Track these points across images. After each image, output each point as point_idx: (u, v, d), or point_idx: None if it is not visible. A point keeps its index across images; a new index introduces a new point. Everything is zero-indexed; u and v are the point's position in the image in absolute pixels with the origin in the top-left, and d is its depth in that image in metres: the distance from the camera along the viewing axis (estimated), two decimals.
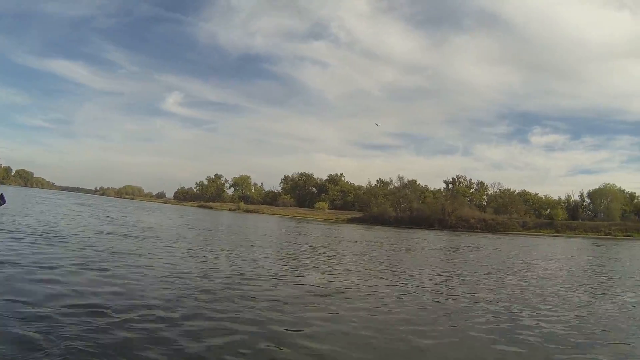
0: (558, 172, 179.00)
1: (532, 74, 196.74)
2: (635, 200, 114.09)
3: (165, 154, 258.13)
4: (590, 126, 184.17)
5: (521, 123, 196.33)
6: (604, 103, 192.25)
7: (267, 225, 58.76)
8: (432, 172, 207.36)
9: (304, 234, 42.16)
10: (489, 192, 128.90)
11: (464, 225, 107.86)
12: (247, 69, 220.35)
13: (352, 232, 56.31)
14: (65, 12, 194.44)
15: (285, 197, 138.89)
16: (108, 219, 35.98)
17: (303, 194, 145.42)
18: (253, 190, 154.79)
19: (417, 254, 28.80)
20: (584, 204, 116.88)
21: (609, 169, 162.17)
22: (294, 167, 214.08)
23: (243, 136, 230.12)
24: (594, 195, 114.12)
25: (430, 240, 50.05)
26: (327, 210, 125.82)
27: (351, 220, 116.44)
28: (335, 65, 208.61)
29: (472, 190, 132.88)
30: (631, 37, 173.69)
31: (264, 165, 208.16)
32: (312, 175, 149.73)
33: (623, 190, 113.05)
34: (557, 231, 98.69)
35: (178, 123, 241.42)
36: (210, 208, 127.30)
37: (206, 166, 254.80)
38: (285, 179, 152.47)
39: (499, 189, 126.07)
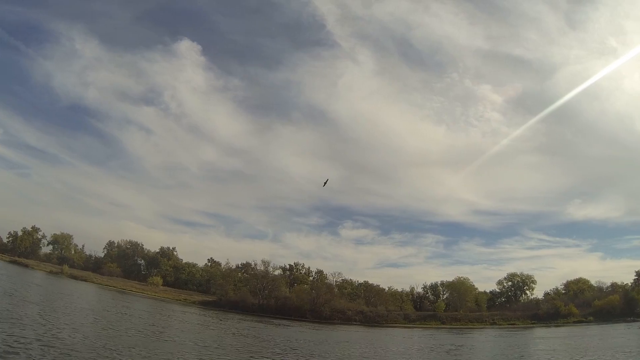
0: (365, 264, 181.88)
1: (350, 172, 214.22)
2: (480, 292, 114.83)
3: None
4: (399, 224, 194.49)
5: (333, 216, 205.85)
6: (415, 205, 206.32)
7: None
8: (240, 255, 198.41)
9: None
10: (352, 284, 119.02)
11: (340, 317, 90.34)
12: (73, 119, 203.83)
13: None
14: None
15: (112, 265, 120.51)
16: None
17: (130, 264, 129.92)
18: (73, 252, 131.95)
19: None
20: (427, 295, 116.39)
21: (414, 264, 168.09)
22: (101, 231, 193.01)
23: (57, 190, 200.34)
24: (448, 287, 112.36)
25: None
26: (162, 287, 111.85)
27: (204, 304, 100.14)
28: (159, 135, 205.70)
29: (311, 278, 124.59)
30: (445, 149, 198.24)
31: (75, 225, 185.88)
32: (142, 245, 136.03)
33: (473, 285, 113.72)
34: (442, 322, 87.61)
35: None
36: (26, 266, 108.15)
37: (12, 214, 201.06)
38: (110, 245, 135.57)
39: (348, 279, 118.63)
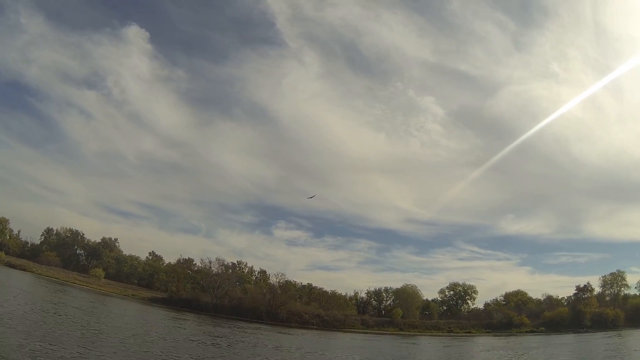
0: (297, 265, 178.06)
1: (287, 172, 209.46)
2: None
3: None
4: (332, 228, 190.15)
5: (267, 216, 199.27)
6: (349, 209, 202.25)
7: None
8: (172, 249, 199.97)
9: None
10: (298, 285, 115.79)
11: (297, 320, 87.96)
12: (11, 97, 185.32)
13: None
14: None
15: (50, 254, 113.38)
16: None
17: (69, 254, 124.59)
18: (9, 238, 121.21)
19: None
20: (370, 300, 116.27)
21: (346, 268, 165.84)
22: (33, 216, 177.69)
23: None
24: (395, 293, 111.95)
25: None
26: (104, 280, 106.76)
27: (154, 301, 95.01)
28: (99, 121, 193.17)
29: (254, 277, 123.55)
30: (383, 156, 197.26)
31: (7, 209, 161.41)
32: (83, 234, 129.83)
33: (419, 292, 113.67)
34: (400, 329, 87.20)
35: None
36: None
37: None
38: (49, 232, 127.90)
39: (291, 280, 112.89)
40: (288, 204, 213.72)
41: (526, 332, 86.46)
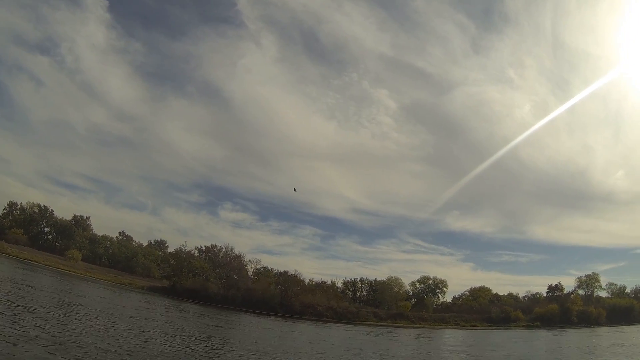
0: (242, 248, 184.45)
1: (236, 153, 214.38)
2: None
3: None
4: (278, 212, 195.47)
5: (214, 196, 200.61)
6: (295, 195, 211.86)
7: None
8: (116, 225, 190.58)
9: None
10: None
11: (311, 313, 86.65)
12: None
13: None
14: None
15: (17, 232, 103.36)
16: None
17: (37, 232, 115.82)
18: None
19: None
20: (346, 291, 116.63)
21: (290, 253, 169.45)
22: None
23: None
24: (378, 285, 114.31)
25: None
26: (82, 263, 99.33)
27: (154, 290, 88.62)
28: (50, 88, 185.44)
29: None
30: (332, 145, 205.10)
31: None
32: (52, 211, 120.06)
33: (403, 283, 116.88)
34: (412, 322, 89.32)
35: None
36: None
37: None
38: (12, 206, 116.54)
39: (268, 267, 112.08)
40: (235, 185, 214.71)
41: (523, 326, 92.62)
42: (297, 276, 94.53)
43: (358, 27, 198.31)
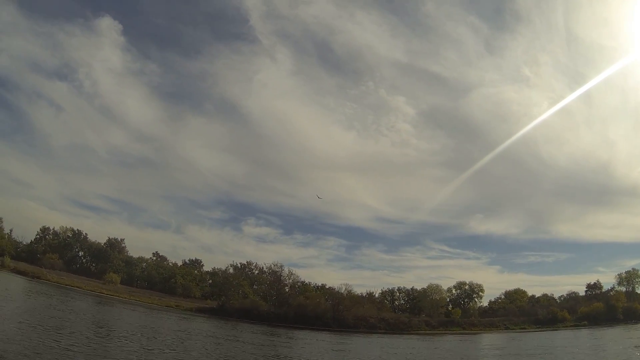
0: (266, 262, 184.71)
1: (257, 168, 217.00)
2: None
3: None
4: (302, 225, 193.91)
5: (237, 212, 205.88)
6: (319, 207, 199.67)
7: None
8: (140, 245, 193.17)
9: None
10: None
11: (364, 325, 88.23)
12: None
13: None
14: None
15: (52, 257, 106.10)
16: None
17: (72, 256, 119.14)
18: (4, 239, 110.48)
19: None
20: (384, 301, 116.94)
21: (316, 265, 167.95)
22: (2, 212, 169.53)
23: None
24: (416, 293, 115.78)
25: None
26: (121, 286, 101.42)
27: (202, 312, 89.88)
28: (70, 113, 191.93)
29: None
30: (353, 155, 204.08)
31: None
32: (86, 235, 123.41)
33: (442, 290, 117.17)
34: (463, 328, 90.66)
35: None
36: None
37: None
38: (44, 231, 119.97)
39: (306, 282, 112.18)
40: (258, 200, 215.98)
41: (570, 326, 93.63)
42: (350, 291, 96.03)
43: (371, 35, 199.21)
